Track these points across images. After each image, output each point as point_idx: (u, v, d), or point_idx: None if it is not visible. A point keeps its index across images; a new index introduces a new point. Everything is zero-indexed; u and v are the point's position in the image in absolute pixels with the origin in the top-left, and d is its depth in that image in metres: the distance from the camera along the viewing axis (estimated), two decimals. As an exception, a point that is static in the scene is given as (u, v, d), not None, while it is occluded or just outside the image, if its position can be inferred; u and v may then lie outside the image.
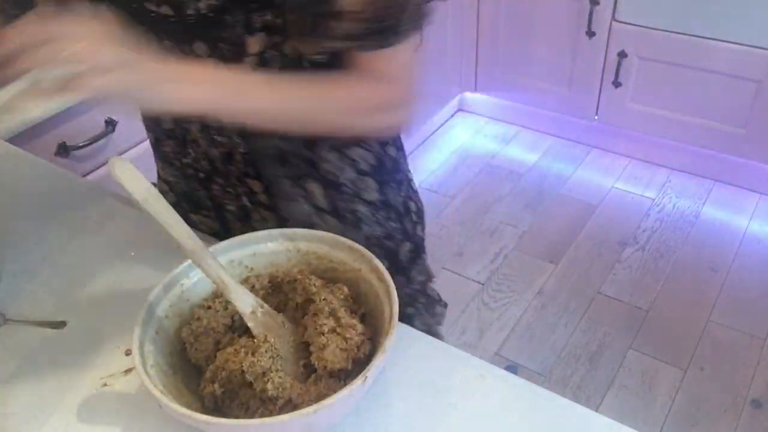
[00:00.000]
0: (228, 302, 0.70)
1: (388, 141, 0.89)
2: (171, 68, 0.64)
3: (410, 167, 0.98)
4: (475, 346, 1.95)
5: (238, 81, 0.67)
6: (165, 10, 0.70)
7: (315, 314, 0.68)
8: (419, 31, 0.69)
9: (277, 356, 0.64)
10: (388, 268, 0.69)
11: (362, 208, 0.89)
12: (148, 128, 0.90)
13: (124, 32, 0.66)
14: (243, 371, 0.62)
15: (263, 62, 0.72)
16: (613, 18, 2.27)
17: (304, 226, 0.86)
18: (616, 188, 2.49)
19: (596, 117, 2.53)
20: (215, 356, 0.67)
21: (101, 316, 0.80)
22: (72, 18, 0.59)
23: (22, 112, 1.30)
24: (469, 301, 2.09)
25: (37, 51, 0.56)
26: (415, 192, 0.99)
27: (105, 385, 0.72)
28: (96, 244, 0.92)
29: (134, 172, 0.61)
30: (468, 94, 2.85)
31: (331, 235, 0.74)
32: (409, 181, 0.97)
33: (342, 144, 0.84)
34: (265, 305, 0.68)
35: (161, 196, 0.63)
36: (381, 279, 0.68)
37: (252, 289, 0.71)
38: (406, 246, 0.96)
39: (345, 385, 0.58)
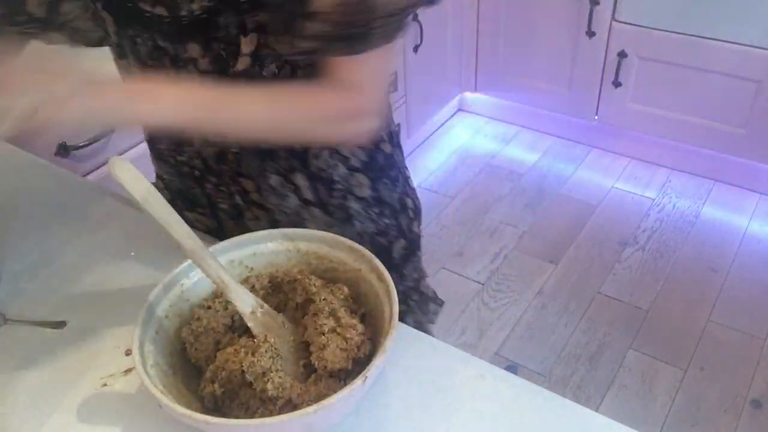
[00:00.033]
0: (228, 302, 0.70)
1: (382, 138, 0.89)
2: (133, 88, 0.65)
3: (410, 167, 0.98)
4: (475, 346, 1.95)
5: (204, 96, 0.68)
6: (159, 10, 0.70)
7: (315, 314, 0.68)
8: (391, 42, 0.69)
9: (277, 356, 0.64)
10: None
11: (354, 205, 0.89)
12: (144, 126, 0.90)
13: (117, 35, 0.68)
14: (243, 371, 0.62)
15: (257, 61, 0.72)
16: (613, 18, 2.27)
17: (293, 220, 0.87)
18: (616, 188, 2.49)
19: (596, 117, 2.53)
20: (215, 356, 0.67)
21: (101, 316, 0.80)
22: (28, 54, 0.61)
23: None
24: (469, 301, 2.09)
25: None
26: (413, 189, 0.99)
27: (105, 385, 0.72)
28: (96, 244, 0.92)
29: (134, 172, 0.61)
30: (468, 94, 2.85)
31: (331, 235, 0.74)
32: (406, 177, 0.97)
33: None
34: (265, 305, 0.68)
35: (161, 196, 0.63)
36: (381, 279, 0.68)
37: (252, 289, 0.71)
38: (400, 243, 0.96)
39: (345, 385, 0.58)
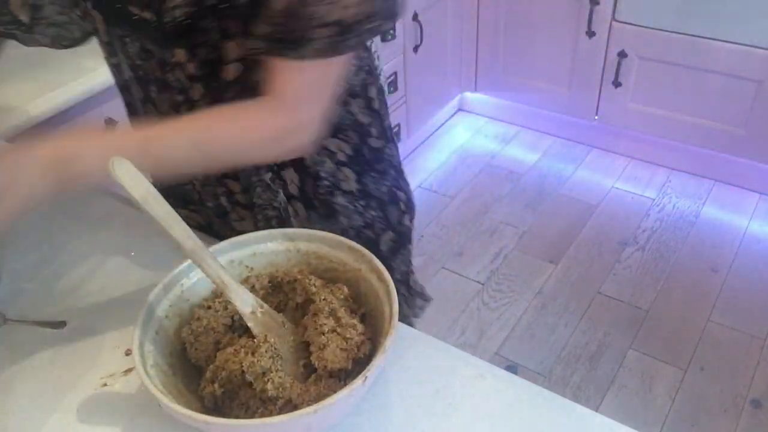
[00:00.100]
0: (228, 302, 0.70)
1: (370, 132, 0.89)
2: (63, 152, 0.66)
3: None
4: (475, 346, 1.95)
5: (127, 143, 0.68)
6: (147, 15, 0.71)
7: (315, 314, 0.68)
8: (335, 57, 0.69)
9: (277, 356, 0.64)
10: None
11: (340, 199, 0.90)
12: (134, 124, 0.91)
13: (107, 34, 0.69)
14: (243, 371, 0.62)
15: (246, 67, 0.73)
16: (613, 18, 2.27)
17: (278, 217, 0.88)
18: (616, 188, 2.49)
19: (596, 117, 2.53)
20: (215, 356, 0.67)
21: (101, 316, 0.80)
22: None
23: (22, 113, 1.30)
24: (469, 301, 2.09)
25: None
26: (406, 182, 1.00)
27: (105, 385, 0.72)
28: (96, 244, 0.92)
29: (134, 172, 0.61)
30: (468, 94, 2.85)
31: (331, 235, 0.74)
32: (399, 171, 0.97)
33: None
34: (265, 305, 0.68)
35: (161, 196, 0.63)
36: (381, 279, 0.68)
37: (252, 289, 0.71)
38: (388, 235, 0.97)
39: (345, 385, 0.58)
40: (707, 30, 2.13)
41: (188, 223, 0.64)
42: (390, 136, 0.94)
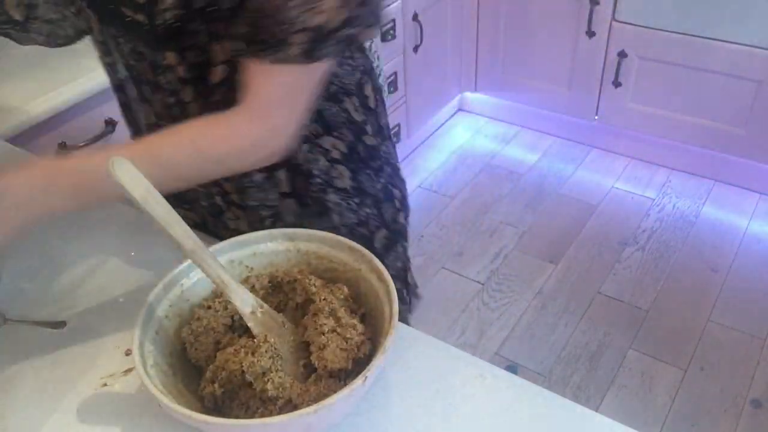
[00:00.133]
0: (228, 302, 0.70)
1: (366, 130, 0.90)
2: (37, 185, 0.67)
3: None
4: (475, 346, 1.95)
5: (96, 171, 0.68)
6: (140, 17, 0.71)
7: (315, 314, 0.68)
8: (312, 63, 0.69)
9: (277, 356, 0.64)
10: None
11: (333, 197, 0.90)
12: (129, 122, 0.92)
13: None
14: (243, 371, 0.62)
15: (232, 69, 0.73)
16: (613, 18, 2.27)
17: (273, 215, 0.88)
18: (616, 188, 2.49)
19: (596, 117, 2.53)
20: (215, 356, 0.67)
21: (101, 316, 0.80)
22: None
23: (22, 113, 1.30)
24: (469, 301, 2.09)
25: None
26: (402, 180, 1.00)
27: (105, 385, 0.72)
28: (96, 244, 0.92)
29: (134, 172, 0.61)
30: (468, 94, 2.85)
31: (331, 235, 0.74)
32: (395, 168, 0.97)
33: (313, 134, 0.84)
34: (265, 305, 0.68)
35: (161, 195, 0.63)
36: (381, 279, 0.68)
37: (252, 289, 0.71)
38: (382, 233, 0.97)
39: (345, 385, 0.58)
40: (707, 30, 2.13)
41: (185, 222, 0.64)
42: (386, 134, 0.94)
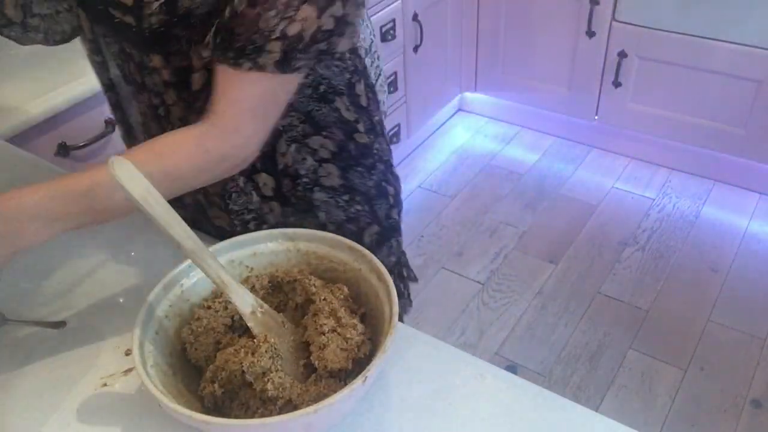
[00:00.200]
0: (228, 302, 0.70)
1: (357, 128, 0.90)
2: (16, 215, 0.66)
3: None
4: (475, 346, 1.95)
5: (75, 197, 0.68)
6: (128, 19, 0.72)
7: (315, 314, 0.68)
8: (285, 74, 0.69)
9: (277, 356, 0.64)
10: None
11: (320, 195, 0.90)
12: (120, 121, 0.92)
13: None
14: (243, 371, 0.62)
15: (210, 76, 0.73)
16: (613, 18, 2.27)
17: (255, 219, 0.88)
18: (616, 188, 2.49)
19: (596, 117, 2.53)
20: (215, 356, 0.67)
21: (101, 316, 0.80)
22: None
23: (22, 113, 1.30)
24: (469, 301, 2.09)
25: None
26: (395, 176, 1.00)
27: (105, 385, 0.72)
28: (96, 244, 0.92)
29: (134, 171, 0.61)
30: (468, 94, 2.85)
31: (331, 235, 0.74)
32: (389, 165, 0.98)
33: (301, 135, 0.84)
34: (265, 305, 0.68)
35: (161, 195, 0.63)
36: (381, 279, 0.68)
37: (252, 289, 0.71)
38: (373, 229, 0.97)
39: (345, 385, 0.58)
40: (707, 30, 2.13)
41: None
42: (380, 131, 0.94)
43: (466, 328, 2.01)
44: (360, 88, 0.88)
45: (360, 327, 0.67)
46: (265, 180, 0.86)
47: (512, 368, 1.87)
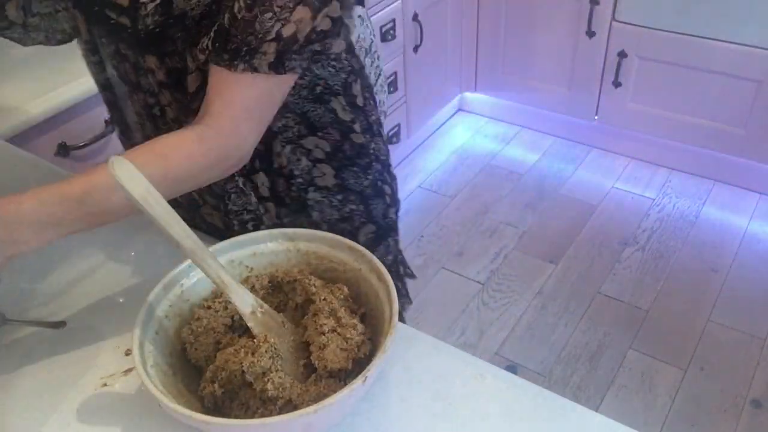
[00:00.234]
0: (228, 302, 0.70)
1: (353, 128, 0.90)
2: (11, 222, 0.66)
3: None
4: (475, 346, 1.95)
5: (69, 203, 0.67)
6: (123, 20, 0.72)
7: (315, 314, 0.68)
8: (279, 75, 0.69)
9: (277, 356, 0.64)
10: None
11: (314, 195, 0.90)
12: (116, 121, 0.93)
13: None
14: (243, 371, 0.62)
15: (206, 78, 0.73)
16: (613, 18, 2.27)
17: (253, 219, 0.88)
18: (616, 188, 2.49)
19: (596, 117, 2.53)
20: (215, 356, 0.66)
21: (101, 316, 0.80)
22: None
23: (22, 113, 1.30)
24: (469, 301, 2.09)
25: None
26: (392, 175, 1.00)
27: (105, 385, 0.72)
28: (96, 244, 0.92)
29: (134, 171, 0.61)
30: (468, 94, 2.85)
31: (331, 235, 0.74)
32: (386, 165, 0.98)
33: (296, 136, 0.84)
34: (265, 305, 0.68)
35: (161, 195, 0.63)
36: (381, 279, 0.68)
37: (252, 289, 0.71)
38: (368, 228, 0.98)
39: (345, 385, 0.58)
40: (707, 30, 2.13)
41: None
42: (377, 131, 0.94)
43: (466, 328, 2.01)
44: (356, 88, 0.88)
45: (360, 327, 0.67)
46: (262, 180, 0.86)
47: (512, 368, 1.87)
